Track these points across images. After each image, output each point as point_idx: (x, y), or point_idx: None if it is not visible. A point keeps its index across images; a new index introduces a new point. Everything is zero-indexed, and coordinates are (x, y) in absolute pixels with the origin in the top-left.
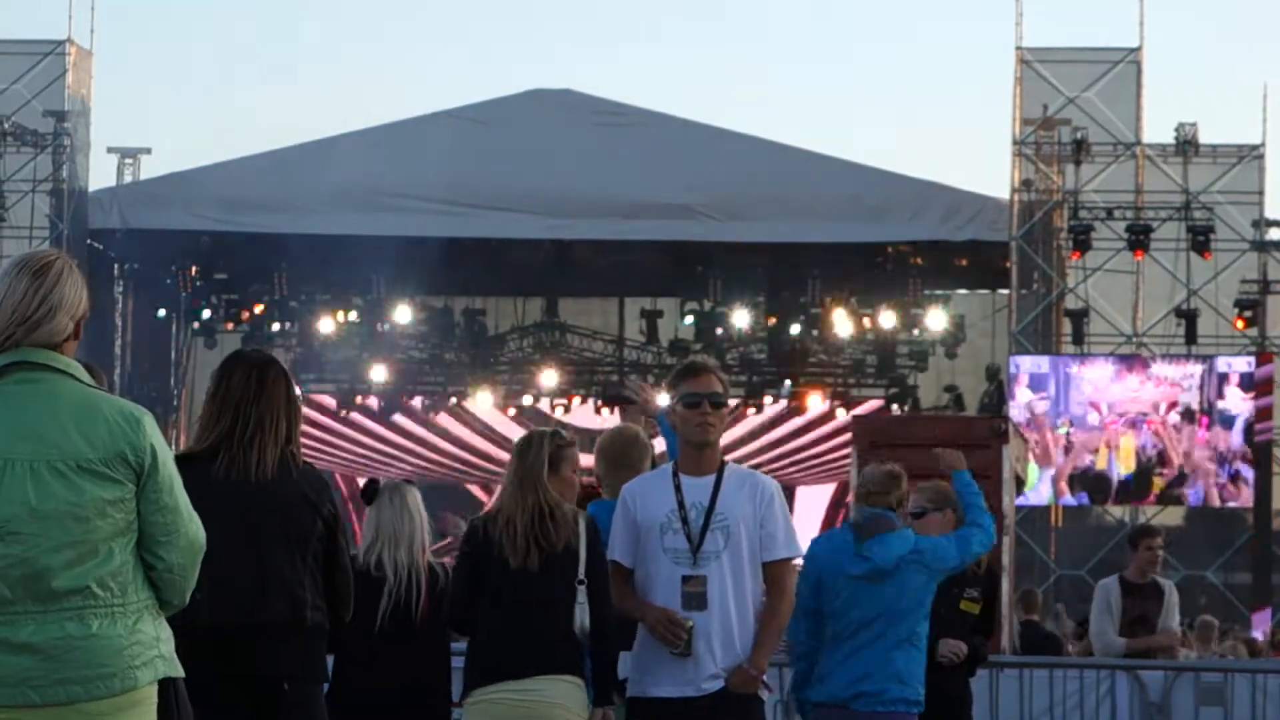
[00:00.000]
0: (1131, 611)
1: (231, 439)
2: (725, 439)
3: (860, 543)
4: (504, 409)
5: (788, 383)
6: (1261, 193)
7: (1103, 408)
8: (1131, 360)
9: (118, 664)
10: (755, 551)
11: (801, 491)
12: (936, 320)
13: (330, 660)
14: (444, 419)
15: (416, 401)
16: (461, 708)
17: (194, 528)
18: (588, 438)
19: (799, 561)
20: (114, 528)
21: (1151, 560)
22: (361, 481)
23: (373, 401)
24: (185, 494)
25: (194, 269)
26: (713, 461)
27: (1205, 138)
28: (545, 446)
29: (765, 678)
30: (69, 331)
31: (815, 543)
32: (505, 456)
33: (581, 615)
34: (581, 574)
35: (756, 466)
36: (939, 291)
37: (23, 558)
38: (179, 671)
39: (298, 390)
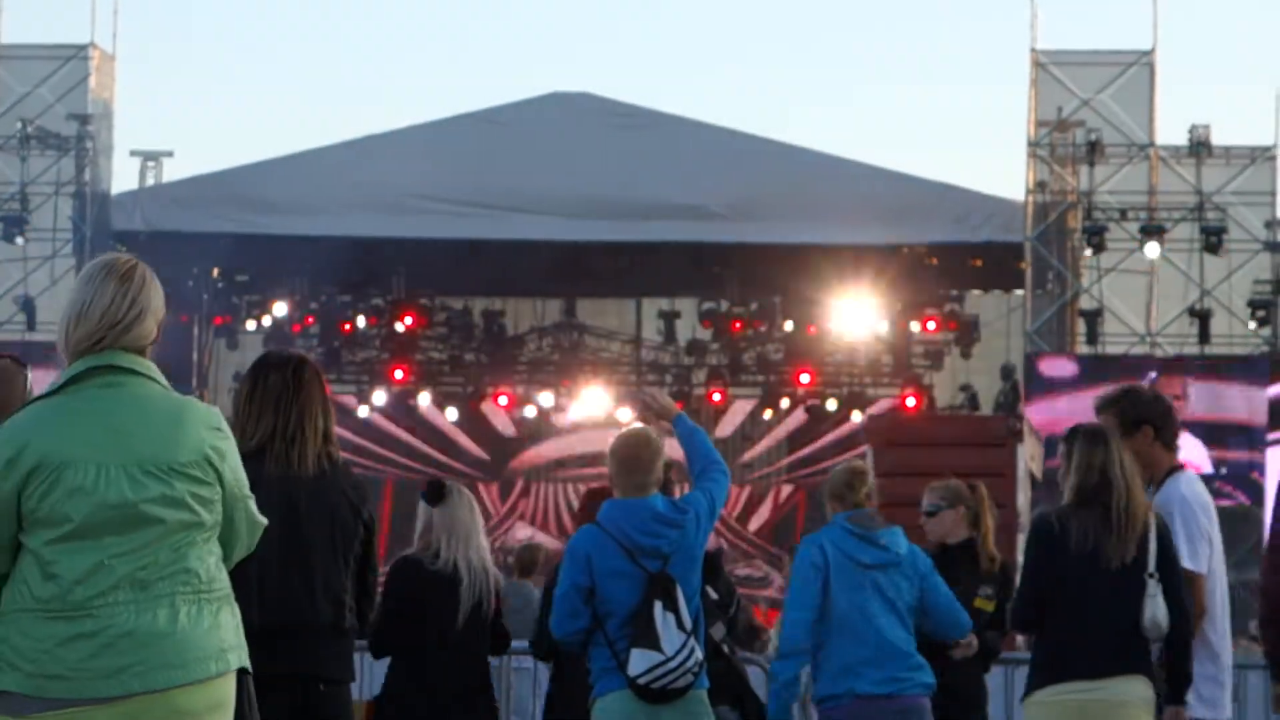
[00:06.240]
0: None
1: (274, 438)
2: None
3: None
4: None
5: None
6: (1274, 193)
7: None
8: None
9: (210, 648)
10: None
11: None
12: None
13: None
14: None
15: (435, 401)
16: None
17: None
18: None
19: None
20: (203, 523)
21: None
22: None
23: (392, 402)
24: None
25: (216, 271)
26: None
27: (1218, 139)
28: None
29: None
30: (154, 334)
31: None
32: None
33: (1153, 609)
34: (1152, 567)
35: (773, 473)
36: (954, 292)
37: (119, 554)
38: (248, 663)
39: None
